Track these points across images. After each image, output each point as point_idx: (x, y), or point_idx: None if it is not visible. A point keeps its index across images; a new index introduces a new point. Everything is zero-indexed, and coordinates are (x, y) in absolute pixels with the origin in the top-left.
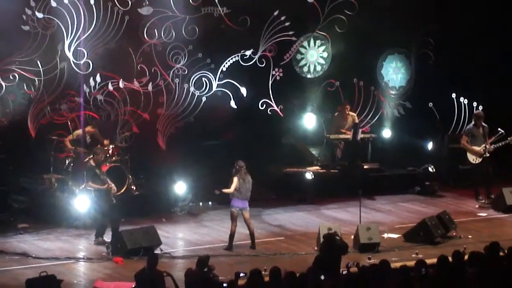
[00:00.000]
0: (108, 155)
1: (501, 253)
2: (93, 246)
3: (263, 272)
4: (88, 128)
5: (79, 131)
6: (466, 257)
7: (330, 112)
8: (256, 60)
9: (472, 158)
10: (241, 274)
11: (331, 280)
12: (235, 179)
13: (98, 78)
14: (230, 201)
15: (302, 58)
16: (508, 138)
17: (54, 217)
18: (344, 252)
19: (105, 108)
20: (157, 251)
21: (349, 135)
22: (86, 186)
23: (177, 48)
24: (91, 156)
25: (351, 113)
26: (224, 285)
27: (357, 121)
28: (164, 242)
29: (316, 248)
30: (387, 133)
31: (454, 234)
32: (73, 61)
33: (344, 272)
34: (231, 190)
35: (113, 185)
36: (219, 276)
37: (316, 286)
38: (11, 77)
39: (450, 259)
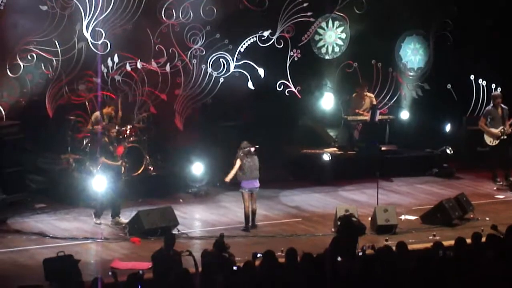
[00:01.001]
0: (125, 135)
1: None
2: (110, 226)
3: (279, 253)
4: (106, 109)
5: (97, 114)
6: (483, 239)
7: (348, 93)
8: (274, 41)
9: (489, 140)
10: (258, 255)
11: (348, 262)
12: (237, 162)
13: (116, 59)
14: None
15: (320, 39)
16: None
17: (71, 197)
18: (361, 233)
19: (122, 89)
20: (174, 232)
21: (367, 117)
22: (100, 162)
23: (194, 28)
24: (104, 133)
25: (368, 94)
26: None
27: (374, 102)
28: (181, 222)
29: (333, 229)
30: (405, 114)
31: (471, 216)
32: (91, 41)
33: (360, 254)
34: (232, 173)
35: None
36: (235, 257)
37: (333, 267)
38: (29, 57)
39: (467, 241)
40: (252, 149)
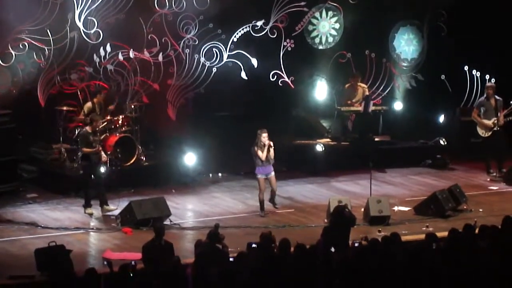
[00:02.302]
0: (117, 125)
1: None
2: (102, 216)
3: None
4: (96, 98)
5: (89, 104)
6: (477, 230)
7: (342, 83)
8: (267, 31)
9: (481, 131)
10: (253, 245)
11: (341, 253)
12: (258, 151)
13: (108, 48)
14: (255, 170)
15: (314, 29)
16: None
17: (63, 187)
18: (352, 224)
19: (115, 78)
20: (167, 222)
21: (360, 108)
22: (79, 152)
23: (187, 18)
24: (89, 123)
25: (362, 85)
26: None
27: (367, 93)
28: (173, 213)
29: (326, 220)
30: (398, 105)
31: (465, 207)
32: (83, 31)
33: (356, 245)
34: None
35: (102, 153)
36: (229, 247)
37: (326, 258)
38: (21, 46)
39: (460, 232)
40: (265, 139)
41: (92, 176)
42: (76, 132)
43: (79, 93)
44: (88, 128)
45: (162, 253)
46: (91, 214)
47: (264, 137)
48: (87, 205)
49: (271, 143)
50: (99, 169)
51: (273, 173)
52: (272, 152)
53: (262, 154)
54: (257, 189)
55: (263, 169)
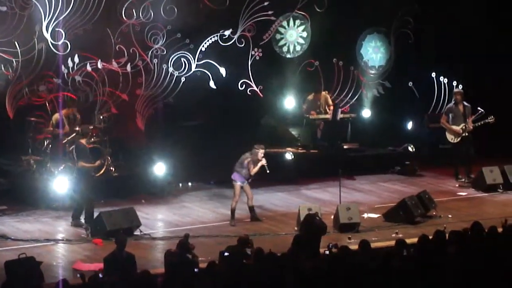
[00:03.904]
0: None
1: None
2: (72, 227)
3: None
4: (66, 111)
5: (57, 115)
6: (446, 236)
7: (311, 91)
8: (235, 40)
9: (450, 137)
10: (226, 254)
11: (312, 261)
12: (252, 166)
13: (76, 59)
14: (232, 175)
15: (282, 38)
16: (488, 118)
17: (33, 199)
18: (322, 233)
19: (83, 89)
20: (137, 233)
21: (328, 115)
22: (77, 166)
23: (155, 28)
24: (81, 135)
25: (323, 93)
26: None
27: (329, 100)
28: (143, 223)
29: (296, 228)
30: (366, 113)
31: (434, 213)
32: (51, 42)
33: (326, 253)
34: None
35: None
36: (199, 257)
37: (296, 266)
38: None
39: (430, 238)
40: (261, 156)
41: (85, 189)
42: (45, 144)
43: (47, 104)
44: (83, 141)
45: (123, 264)
46: (82, 225)
47: (261, 153)
48: (78, 216)
49: (265, 161)
50: (92, 182)
51: (249, 180)
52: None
53: (254, 170)
54: (228, 198)
55: (241, 176)
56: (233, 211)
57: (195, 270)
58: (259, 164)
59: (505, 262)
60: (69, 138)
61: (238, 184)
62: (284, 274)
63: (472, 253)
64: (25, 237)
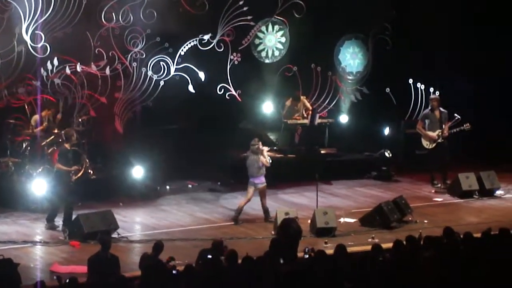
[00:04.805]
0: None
1: None
2: (49, 230)
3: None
4: (45, 112)
5: (36, 117)
6: (422, 241)
7: (288, 96)
8: (214, 45)
9: (425, 143)
10: (208, 256)
11: (288, 265)
12: (263, 159)
13: (55, 62)
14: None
15: (260, 43)
16: (464, 125)
17: (11, 200)
18: (298, 237)
19: (62, 92)
20: (114, 235)
21: (306, 120)
22: (56, 168)
23: (135, 32)
24: (65, 139)
25: (301, 97)
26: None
27: (308, 105)
28: (121, 226)
29: (273, 232)
30: (344, 118)
31: (410, 218)
32: (30, 45)
33: (306, 257)
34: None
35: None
36: (177, 260)
37: (273, 270)
38: None
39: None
40: (261, 145)
41: (59, 192)
42: (24, 146)
43: (26, 106)
44: (66, 145)
45: (108, 266)
46: (56, 227)
47: (259, 144)
48: (53, 219)
49: (266, 147)
50: (70, 185)
51: (259, 185)
52: (257, 161)
53: (267, 159)
54: (205, 201)
55: (258, 179)
56: (241, 210)
57: (174, 272)
58: (265, 153)
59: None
60: (47, 140)
61: (258, 186)
62: (261, 277)
63: (446, 259)
64: (3, 238)
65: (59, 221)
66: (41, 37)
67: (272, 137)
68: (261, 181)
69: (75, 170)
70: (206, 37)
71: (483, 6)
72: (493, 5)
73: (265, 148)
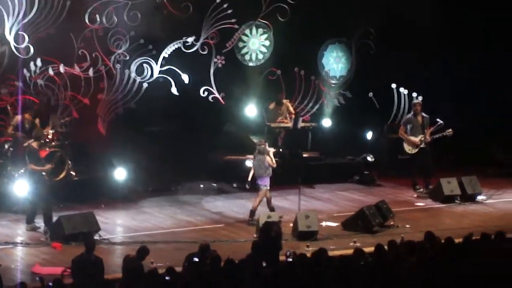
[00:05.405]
0: (47, 140)
1: None
2: (31, 231)
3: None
4: (27, 115)
5: (18, 117)
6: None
7: (273, 100)
8: (198, 47)
9: (408, 148)
10: (195, 259)
11: (271, 268)
12: (269, 160)
13: (38, 63)
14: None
15: (244, 46)
16: (446, 131)
17: None
18: (278, 240)
19: (45, 93)
20: (96, 237)
21: (289, 124)
22: (27, 169)
23: (118, 33)
24: (33, 139)
25: (285, 101)
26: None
27: (291, 109)
28: (103, 228)
29: (255, 235)
30: (327, 122)
31: (391, 223)
32: (13, 45)
33: (290, 260)
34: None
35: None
36: (158, 263)
37: (255, 273)
38: None
39: (386, 248)
40: (262, 147)
41: (36, 193)
42: (6, 147)
43: (8, 107)
44: (35, 145)
45: (92, 268)
46: (37, 228)
47: (266, 145)
48: (32, 220)
49: (272, 148)
50: (44, 186)
51: (263, 187)
52: (264, 162)
53: (273, 160)
54: (187, 203)
55: (264, 180)
56: (254, 212)
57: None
58: (271, 154)
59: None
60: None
61: (265, 188)
62: (244, 280)
63: (428, 263)
64: None
65: (40, 222)
66: (25, 38)
67: (255, 140)
68: (264, 183)
69: (48, 169)
70: (190, 39)
71: (466, 11)
72: (478, 9)
73: (271, 149)
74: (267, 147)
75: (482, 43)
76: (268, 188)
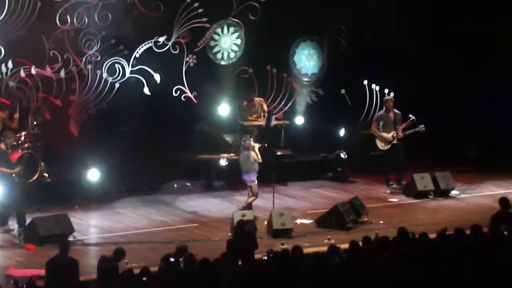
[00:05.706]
0: (20, 142)
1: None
2: (3, 233)
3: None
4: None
5: None
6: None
7: (244, 98)
8: (169, 47)
9: (380, 145)
10: (171, 259)
11: (246, 266)
12: (254, 155)
13: (10, 64)
14: (244, 176)
15: (216, 45)
16: (418, 126)
17: None
18: (252, 238)
19: (17, 95)
20: (70, 239)
21: (262, 122)
22: None
23: (89, 34)
24: (1, 140)
25: (258, 99)
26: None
27: (265, 105)
28: (77, 229)
29: (229, 234)
30: (299, 120)
31: (365, 219)
32: None
33: (265, 258)
34: None
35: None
36: (132, 263)
37: (231, 271)
38: None
39: (361, 244)
40: (253, 142)
41: (7, 195)
42: None
43: None
44: (2, 145)
45: (66, 269)
46: (12, 230)
47: (251, 140)
48: (6, 222)
49: (257, 144)
50: (15, 188)
51: (247, 182)
52: (249, 157)
53: (258, 155)
54: (161, 203)
55: (250, 176)
56: (249, 207)
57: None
58: (257, 150)
59: (437, 268)
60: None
61: (253, 184)
62: (219, 279)
63: (402, 259)
64: None
65: (14, 225)
66: None
67: (228, 138)
68: (251, 178)
69: (18, 171)
70: (161, 39)
71: (440, 7)
72: (450, 5)
73: (256, 145)
74: (252, 143)
75: (454, 38)
76: (256, 183)
